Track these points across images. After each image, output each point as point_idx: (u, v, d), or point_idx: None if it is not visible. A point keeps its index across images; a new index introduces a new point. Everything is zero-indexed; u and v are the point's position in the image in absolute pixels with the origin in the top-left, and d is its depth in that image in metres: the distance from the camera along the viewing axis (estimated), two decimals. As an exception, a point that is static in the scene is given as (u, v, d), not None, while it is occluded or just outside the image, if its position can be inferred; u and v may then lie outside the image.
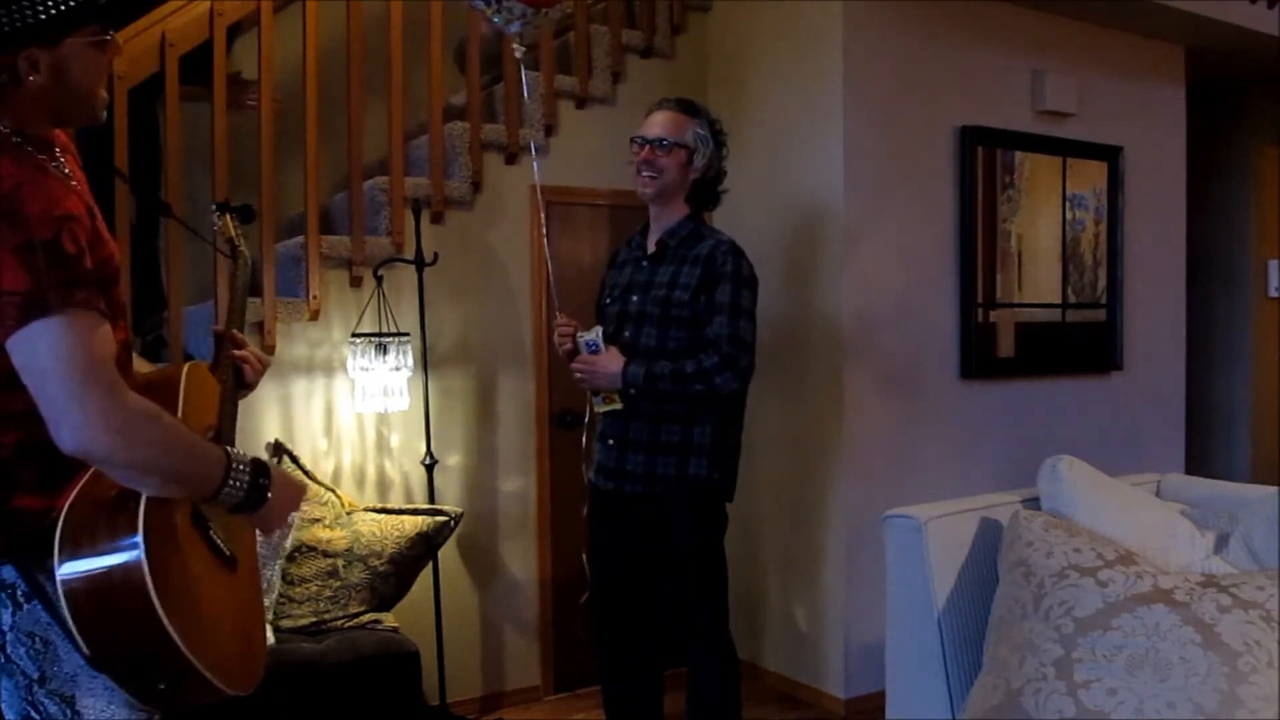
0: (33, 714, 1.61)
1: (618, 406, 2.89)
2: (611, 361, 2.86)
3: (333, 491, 3.40)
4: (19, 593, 1.56)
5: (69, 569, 1.49)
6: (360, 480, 3.61)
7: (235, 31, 3.44)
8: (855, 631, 3.83)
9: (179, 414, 1.70)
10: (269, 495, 1.67)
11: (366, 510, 3.39)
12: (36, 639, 1.57)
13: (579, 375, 2.92)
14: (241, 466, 1.63)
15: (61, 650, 1.57)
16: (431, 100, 3.71)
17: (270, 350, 3.39)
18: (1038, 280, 4.33)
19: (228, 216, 2.20)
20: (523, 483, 3.89)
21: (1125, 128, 4.61)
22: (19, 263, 1.45)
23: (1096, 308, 4.54)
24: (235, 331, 1.96)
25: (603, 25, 4.08)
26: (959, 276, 4.11)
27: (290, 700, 2.85)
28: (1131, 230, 4.64)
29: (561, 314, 3.04)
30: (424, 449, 3.57)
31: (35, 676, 1.59)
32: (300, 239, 3.53)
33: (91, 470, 1.55)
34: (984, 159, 4.14)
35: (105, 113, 1.69)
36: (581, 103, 4.01)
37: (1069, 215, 4.43)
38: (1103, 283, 4.55)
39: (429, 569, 3.43)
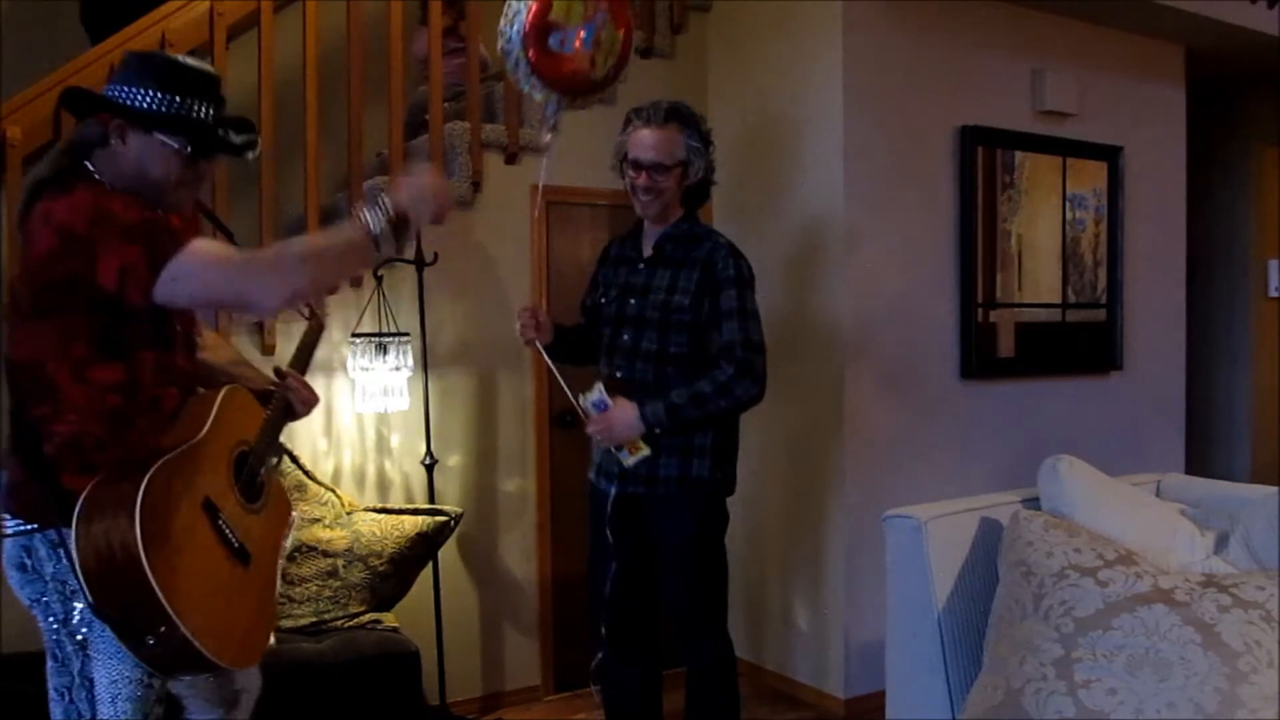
0: (57, 651, 1.97)
1: (647, 452, 2.77)
2: (625, 412, 2.76)
3: (333, 491, 3.40)
4: (61, 550, 1.90)
5: (80, 524, 1.81)
6: (360, 480, 3.61)
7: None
8: (855, 631, 3.83)
9: (207, 428, 2.00)
10: (397, 215, 1.95)
11: (366, 510, 3.39)
12: (66, 586, 1.91)
13: (598, 438, 2.82)
14: (377, 223, 1.92)
15: (82, 599, 1.87)
16: (431, 100, 3.71)
17: (270, 350, 3.39)
18: (1038, 280, 4.33)
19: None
20: (523, 483, 3.89)
21: (1125, 128, 4.62)
22: (127, 244, 1.83)
23: (1096, 308, 4.54)
24: (293, 371, 2.32)
25: (603, 25, 4.08)
26: (959, 276, 4.11)
27: (290, 700, 2.85)
28: (1131, 230, 4.64)
29: (528, 307, 2.96)
30: (424, 449, 3.57)
31: (61, 618, 1.94)
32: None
33: (119, 456, 1.88)
34: (984, 159, 4.14)
35: (187, 206, 2.08)
36: (582, 103, 4.01)
37: (1069, 215, 4.43)
38: (1103, 283, 4.56)
39: (429, 569, 3.43)
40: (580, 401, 2.84)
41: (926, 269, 4.04)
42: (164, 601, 1.77)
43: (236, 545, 1.99)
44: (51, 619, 1.96)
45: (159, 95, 1.94)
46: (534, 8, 2.58)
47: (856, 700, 3.82)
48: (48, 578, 1.94)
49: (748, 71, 4.19)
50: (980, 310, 4.14)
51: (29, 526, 1.94)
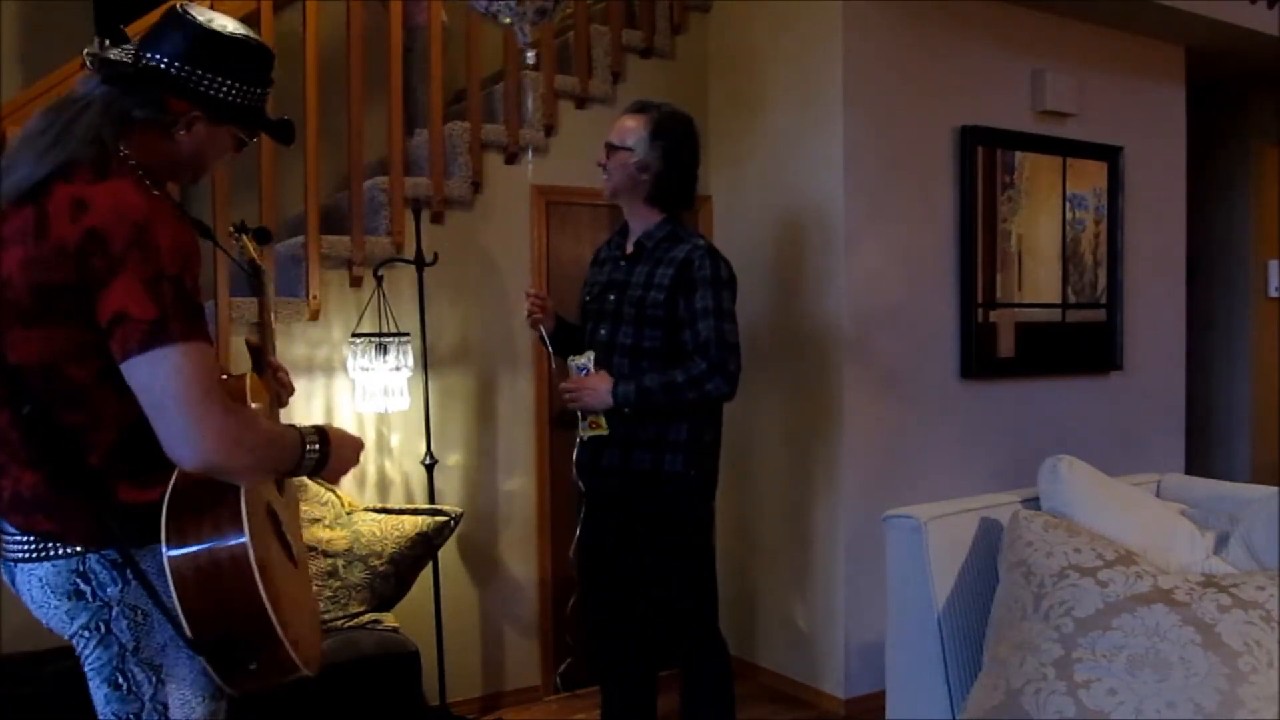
0: (120, 680, 1.75)
1: (604, 432, 2.89)
2: (600, 382, 2.85)
3: (333, 491, 3.40)
4: (128, 571, 1.70)
5: (177, 556, 1.62)
6: (360, 480, 3.61)
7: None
8: (855, 631, 3.83)
9: None
10: (329, 455, 1.84)
11: (366, 510, 3.39)
12: (139, 611, 1.73)
13: (568, 397, 2.92)
14: (312, 444, 1.80)
15: (156, 622, 1.73)
16: (431, 100, 3.71)
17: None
18: (1038, 280, 4.33)
19: (244, 237, 2.21)
20: (523, 483, 3.89)
21: (1125, 128, 4.62)
22: (147, 293, 1.57)
23: (1096, 308, 4.54)
24: (272, 357, 2.12)
25: (603, 25, 4.08)
26: (959, 276, 4.11)
27: (290, 700, 2.85)
28: (1131, 230, 4.64)
29: (534, 287, 3.05)
30: (424, 449, 3.57)
31: (130, 646, 1.74)
32: (300, 239, 3.53)
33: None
34: (984, 159, 4.14)
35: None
36: (581, 103, 4.02)
37: (1069, 215, 4.43)
38: (1103, 283, 4.56)
39: (429, 569, 3.43)
40: (570, 361, 2.97)
41: (926, 269, 4.04)
42: (274, 621, 1.63)
43: (292, 548, 1.88)
44: (114, 646, 1.74)
45: (240, 87, 1.76)
46: None
47: (856, 700, 3.82)
48: (113, 602, 1.72)
49: (748, 72, 4.19)
50: (980, 310, 4.14)
51: (75, 549, 1.70)
